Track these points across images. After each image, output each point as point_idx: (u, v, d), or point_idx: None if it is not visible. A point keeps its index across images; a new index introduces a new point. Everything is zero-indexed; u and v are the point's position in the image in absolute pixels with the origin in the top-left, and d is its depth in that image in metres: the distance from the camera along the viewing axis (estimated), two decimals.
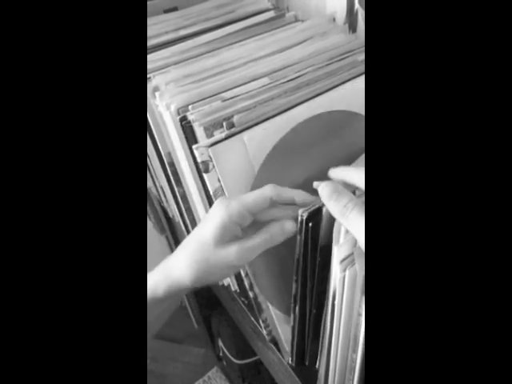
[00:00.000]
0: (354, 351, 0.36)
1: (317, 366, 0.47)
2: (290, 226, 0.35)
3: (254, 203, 0.35)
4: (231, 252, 0.34)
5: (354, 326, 0.35)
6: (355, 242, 0.31)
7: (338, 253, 0.31)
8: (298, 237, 0.35)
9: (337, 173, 0.34)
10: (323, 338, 0.40)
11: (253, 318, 0.62)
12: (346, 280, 0.32)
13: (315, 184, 0.32)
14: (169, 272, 0.37)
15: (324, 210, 0.33)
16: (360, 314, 0.32)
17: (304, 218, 0.34)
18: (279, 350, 0.55)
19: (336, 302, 0.35)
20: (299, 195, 0.35)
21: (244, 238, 0.35)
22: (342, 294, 0.33)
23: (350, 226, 0.28)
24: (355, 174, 0.31)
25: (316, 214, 0.34)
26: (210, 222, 0.36)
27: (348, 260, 0.32)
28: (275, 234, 0.35)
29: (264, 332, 0.55)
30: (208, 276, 0.36)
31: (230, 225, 0.35)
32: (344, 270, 0.31)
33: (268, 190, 0.35)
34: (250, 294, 0.49)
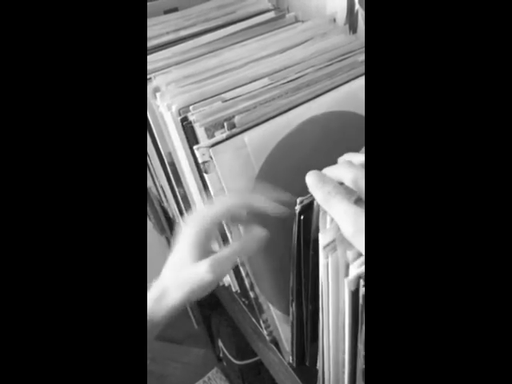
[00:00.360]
0: (343, 341, 0.36)
1: (317, 367, 0.47)
2: (258, 232, 0.36)
3: (215, 217, 0.36)
4: (203, 267, 0.35)
5: (342, 315, 0.35)
6: (338, 229, 0.32)
7: (322, 239, 0.32)
8: (294, 229, 0.35)
9: (327, 172, 0.34)
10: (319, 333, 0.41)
11: (253, 319, 0.62)
12: (329, 266, 0.32)
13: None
14: (162, 299, 0.37)
15: (315, 203, 0.33)
16: (345, 301, 0.32)
17: (297, 211, 0.34)
18: (280, 350, 0.56)
19: (323, 290, 0.35)
20: (272, 208, 0.36)
21: (216, 252, 0.36)
22: (327, 281, 0.33)
23: (333, 212, 0.29)
24: (335, 170, 0.32)
25: (308, 208, 0.34)
26: (181, 242, 0.37)
27: (331, 246, 0.32)
28: (246, 243, 0.36)
29: (265, 332, 0.55)
30: (194, 294, 0.37)
31: (200, 241, 0.36)
32: (326, 257, 0.32)
33: (229, 203, 0.36)
34: (251, 295, 0.49)
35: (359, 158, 0.33)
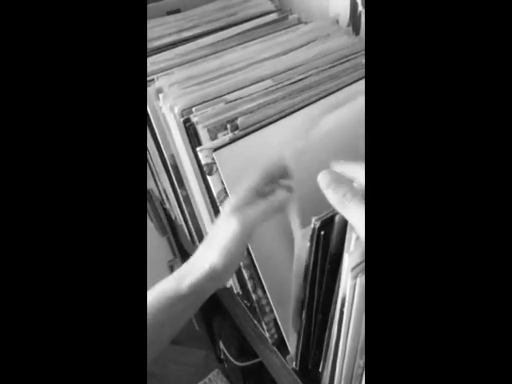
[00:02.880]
0: (361, 357, 0.36)
1: (320, 370, 0.47)
2: (284, 192, 0.37)
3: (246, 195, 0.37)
4: (231, 221, 0.36)
5: (364, 333, 0.34)
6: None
7: (348, 260, 0.31)
8: (309, 244, 0.35)
9: (338, 167, 0.33)
10: (329, 343, 0.40)
11: (255, 321, 0.61)
12: (356, 287, 0.32)
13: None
14: (200, 264, 0.37)
15: (336, 218, 0.33)
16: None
17: (316, 226, 0.33)
18: (281, 352, 0.55)
19: (345, 310, 0.34)
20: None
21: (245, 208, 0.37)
22: (351, 302, 0.33)
23: (349, 216, 0.28)
24: (349, 167, 0.31)
25: (328, 223, 0.34)
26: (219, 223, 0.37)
27: (359, 268, 0.31)
28: (273, 202, 0.37)
29: (267, 335, 0.55)
30: (229, 251, 0.36)
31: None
32: (355, 278, 0.31)
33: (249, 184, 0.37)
34: (253, 297, 0.49)
35: None
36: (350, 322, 0.34)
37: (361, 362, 0.36)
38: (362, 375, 0.37)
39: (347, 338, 0.36)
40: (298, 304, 0.41)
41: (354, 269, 0.31)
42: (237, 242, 0.36)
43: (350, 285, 0.32)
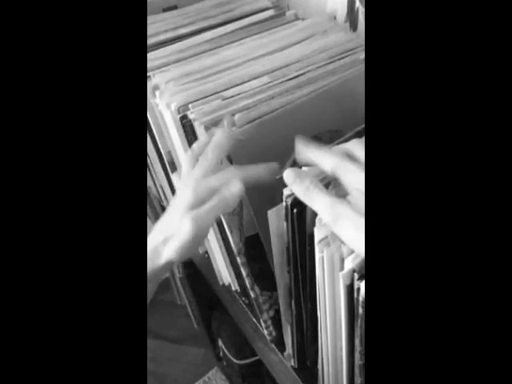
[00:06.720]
0: (339, 338, 0.36)
1: (318, 367, 0.47)
2: (236, 187, 0.36)
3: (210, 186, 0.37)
4: (185, 220, 0.36)
5: (339, 310, 0.34)
6: None
7: (317, 234, 0.32)
8: (285, 223, 0.35)
9: (309, 155, 0.34)
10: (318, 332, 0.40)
11: (254, 319, 0.61)
12: (324, 260, 0.32)
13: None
14: (154, 259, 0.37)
15: None
16: (340, 296, 0.32)
17: (289, 203, 0.34)
18: (280, 350, 0.55)
19: (320, 285, 0.35)
20: (264, 169, 0.38)
21: (198, 207, 0.37)
22: (323, 276, 0.33)
23: (313, 204, 0.31)
24: (317, 155, 0.33)
25: (301, 201, 0.34)
26: (174, 204, 0.38)
27: (325, 241, 0.32)
28: (225, 198, 0.36)
29: (265, 332, 0.55)
30: (181, 249, 0.37)
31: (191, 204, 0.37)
32: (322, 251, 0.32)
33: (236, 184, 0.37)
34: (251, 294, 0.49)
35: (345, 146, 0.33)
36: (325, 299, 0.34)
37: (339, 343, 0.36)
38: (342, 357, 0.37)
39: (326, 319, 0.35)
40: (286, 293, 0.41)
41: (320, 241, 0.32)
42: (191, 242, 0.36)
43: (318, 258, 0.32)
